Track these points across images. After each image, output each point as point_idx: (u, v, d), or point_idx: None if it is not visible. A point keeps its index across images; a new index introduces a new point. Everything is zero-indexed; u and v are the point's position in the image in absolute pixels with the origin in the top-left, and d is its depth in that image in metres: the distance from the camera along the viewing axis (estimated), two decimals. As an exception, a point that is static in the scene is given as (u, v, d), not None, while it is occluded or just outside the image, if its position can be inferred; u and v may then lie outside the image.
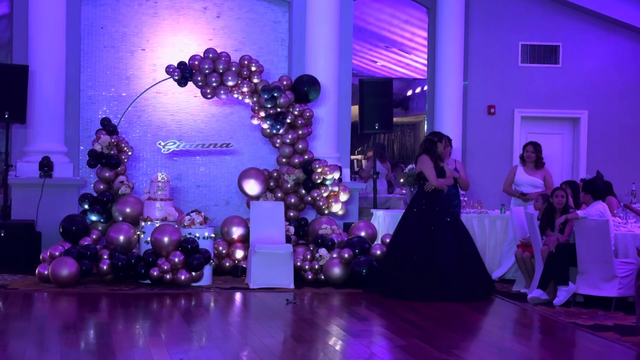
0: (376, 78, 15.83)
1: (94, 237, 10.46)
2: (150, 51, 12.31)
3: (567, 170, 14.55)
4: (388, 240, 10.37)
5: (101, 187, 10.87)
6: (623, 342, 7.46)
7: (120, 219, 10.65)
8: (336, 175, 11.24)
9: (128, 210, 10.66)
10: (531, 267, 9.90)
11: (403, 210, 10.40)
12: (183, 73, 11.11)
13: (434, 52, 13.94)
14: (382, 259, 10.14)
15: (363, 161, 17.34)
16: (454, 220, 9.82)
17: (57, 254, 9.95)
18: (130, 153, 11.15)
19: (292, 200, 11.35)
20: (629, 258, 9.02)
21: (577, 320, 8.38)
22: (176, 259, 9.76)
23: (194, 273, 9.81)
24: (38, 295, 9.28)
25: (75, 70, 12.03)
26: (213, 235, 10.25)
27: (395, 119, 13.63)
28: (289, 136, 11.32)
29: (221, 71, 11.13)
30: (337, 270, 10.29)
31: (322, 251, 10.44)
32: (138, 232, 10.28)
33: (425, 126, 14.39)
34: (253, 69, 11.24)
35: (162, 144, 11.38)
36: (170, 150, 11.45)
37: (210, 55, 11.16)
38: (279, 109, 11.26)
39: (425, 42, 14.42)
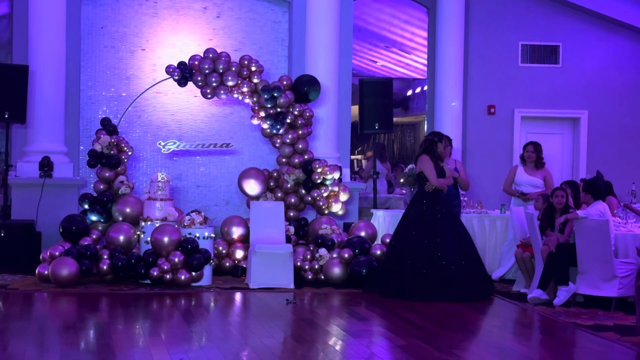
0: (376, 78, 15.83)
1: (94, 237, 10.46)
2: (150, 51, 12.31)
3: (567, 170, 14.55)
4: (388, 240, 10.37)
5: (101, 187, 10.87)
6: (623, 342, 7.46)
7: (120, 219, 10.65)
8: (336, 175, 11.24)
9: (128, 210, 10.66)
10: (531, 267, 9.90)
11: (403, 210, 10.40)
12: (183, 73, 11.11)
13: (434, 52, 13.94)
14: (382, 259, 10.14)
15: (363, 161, 17.33)
16: (454, 220, 9.82)
17: (57, 254, 9.95)
18: (130, 153, 11.15)
19: (292, 200, 11.36)
20: (629, 258, 9.02)
21: (577, 320, 8.38)
22: (176, 259, 9.76)
23: (194, 273, 9.81)
24: (38, 295, 9.28)
25: (75, 70, 12.04)
26: (213, 235, 10.25)
27: (395, 119, 13.63)
28: (289, 136, 11.32)
29: (221, 71, 11.13)
30: (337, 270, 10.29)
31: (322, 251, 10.44)
32: (138, 232, 10.28)
33: (425, 126, 14.39)
34: (253, 69, 11.24)
35: (162, 144, 11.39)
36: (170, 150, 11.45)
37: (210, 55, 11.16)
38: (279, 109, 11.26)
39: (425, 42, 14.42)
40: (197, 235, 9.98)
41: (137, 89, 12.06)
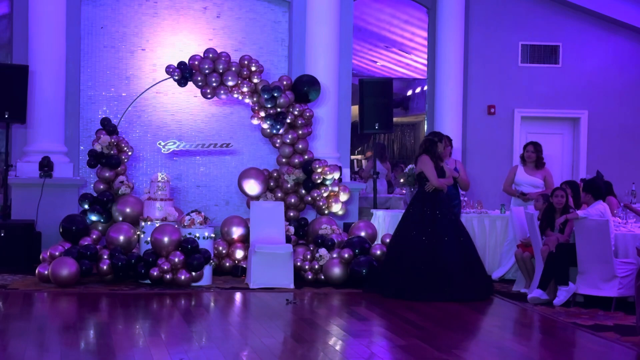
0: (376, 78, 15.83)
1: (94, 237, 10.46)
2: (150, 51, 12.31)
3: (567, 170, 14.55)
4: (388, 240, 10.37)
5: (101, 187, 10.87)
6: (623, 342, 7.46)
7: (120, 219, 10.65)
8: (336, 175, 11.24)
9: (128, 210, 10.66)
10: (531, 267, 9.90)
11: (403, 210, 10.40)
12: (183, 73, 11.11)
13: (434, 52, 13.94)
14: (382, 259, 10.14)
15: (363, 161, 17.33)
16: (454, 220, 9.82)
17: (57, 254, 9.95)
18: (130, 153, 11.15)
19: (292, 200, 11.35)
20: (629, 258, 9.02)
21: (577, 320, 8.38)
22: (176, 259, 9.76)
23: (194, 273, 9.81)
24: (38, 295, 9.28)
25: (75, 70, 12.04)
26: (213, 235, 10.25)
27: (395, 119, 13.63)
28: (289, 136, 11.32)
29: (221, 71, 11.13)
30: (337, 270, 10.29)
31: (322, 251, 10.44)
32: (138, 232, 10.28)
33: (425, 126, 14.39)
34: (253, 69, 11.24)
35: (162, 144, 11.39)
36: (170, 150, 11.45)
37: (210, 55, 11.16)
38: (279, 109, 11.26)
39: (425, 42, 14.42)
40: (197, 235, 9.98)
41: (137, 89, 12.06)
